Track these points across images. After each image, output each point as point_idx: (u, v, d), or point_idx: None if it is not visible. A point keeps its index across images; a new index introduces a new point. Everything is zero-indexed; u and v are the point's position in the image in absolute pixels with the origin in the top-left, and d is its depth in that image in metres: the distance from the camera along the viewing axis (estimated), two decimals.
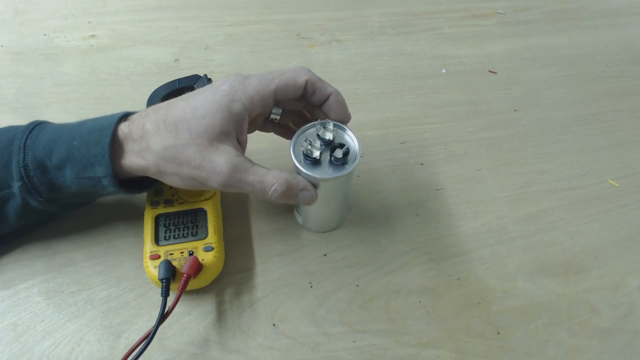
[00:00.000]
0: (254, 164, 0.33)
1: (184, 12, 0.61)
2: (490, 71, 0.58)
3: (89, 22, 0.58)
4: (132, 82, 0.52)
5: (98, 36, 0.56)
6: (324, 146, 0.34)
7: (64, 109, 0.48)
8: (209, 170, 0.31)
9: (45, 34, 0.56)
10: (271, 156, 0.46)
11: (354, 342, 0.36)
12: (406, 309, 0.38)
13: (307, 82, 0.34)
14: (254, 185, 0.32)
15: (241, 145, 0.34)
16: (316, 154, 0.33)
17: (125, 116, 0.33)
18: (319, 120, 0.34)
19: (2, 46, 0.54)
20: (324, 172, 0.33)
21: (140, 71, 0.53)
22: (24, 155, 0.32)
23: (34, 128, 0.33)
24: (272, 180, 0.32)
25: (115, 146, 0.32)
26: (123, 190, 0.33)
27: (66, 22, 0.58)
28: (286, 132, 0.40)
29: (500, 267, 0.41)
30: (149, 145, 0.31)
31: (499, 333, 0.37)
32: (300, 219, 0.41)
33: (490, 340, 0.37)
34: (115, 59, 0.54)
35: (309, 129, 0.35)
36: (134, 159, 0.32)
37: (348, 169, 0.33)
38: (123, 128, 0.32)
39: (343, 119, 0.36)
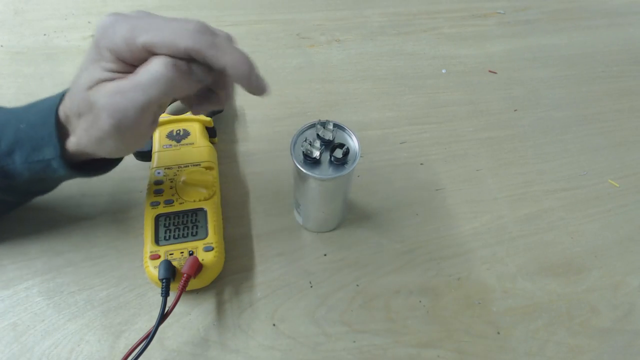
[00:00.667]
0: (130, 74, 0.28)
1: (184, 12, 0.61)
2: (490, 71, 0.58)
3: (89, 22, 0.58)
4: None
5: None
6: (323, 146, 0.34)
7: None
8: (96, 110, 0.28)
9: (45, 34, 0.56)
10: (271, 156, 0.47)
11: (354, 342, 0.36)
12: (406, 309, 0.38)
13: (188, 50, 0.27)
14: (144, 89, 0.27)
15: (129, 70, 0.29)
16: (316, 154, 0.33)
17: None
18: (319, 120, 0.34)
19: (2, 46, 0.54)
20: (324, 172, 0.33)
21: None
22: None
23: None
24: (150, 67, 0.27)
25: (60, 127, 0.30)
26: (75, 172, 0.32)
27: (66, 22, 0.58)
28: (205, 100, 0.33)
29: (501, 267, 0.41)
30: (73, 122, 0.30)
31: (499, 333, 0.37)
32: (300, 219, 0.41)
33: (491, 340, 0.37)
34: None
35: (308, 128, 0.35)
36: (71, 138, 0.31)
37: (348, 169, 0.33)
38: (64, 107, 0.30)
39: (254, 93, 0.30)
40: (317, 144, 0.33)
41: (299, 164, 0.33)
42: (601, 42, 0.64)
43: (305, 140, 0.33)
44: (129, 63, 0.28)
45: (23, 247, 0.38)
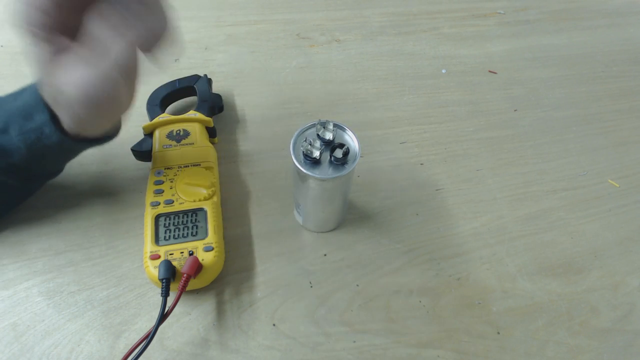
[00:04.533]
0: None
1: (184, 12, 0.61)
2: (490, 71, 0.58)
3: None
4: None
5: None
6: (323, 146, 0.34)
7: None
8: (62, 93, 0.28)
9: None
10: (271, 156, 0.47)
11: (354, 342, 0.36)
12: (406, 309, 0.38)
13: None
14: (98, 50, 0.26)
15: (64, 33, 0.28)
16: (316, 154, 0.33)
17: None
18: (319, 120, 0.34)
19: (2, 46, 0.54)
20: (324, 172, 0.33)
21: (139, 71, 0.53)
22: None
23: None
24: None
25: None
26: (70, 139, 0.33)
27: None
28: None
29: (500, 267, 0.41)
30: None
31: (499, 333, 0.37)
32: (300, 219, 0.41)
33: (490, 341, 0.37)
34: None
35: (309, 128, 0.35)
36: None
37: (348, 168, 0.33)
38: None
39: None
40: (317, 144, 0.33)
41: (299, 164, 0.33)
42: (601, 42, 0.64)
43: (305, 140, 0.33)
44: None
45: (23, 247, 0.38)
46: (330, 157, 0.33)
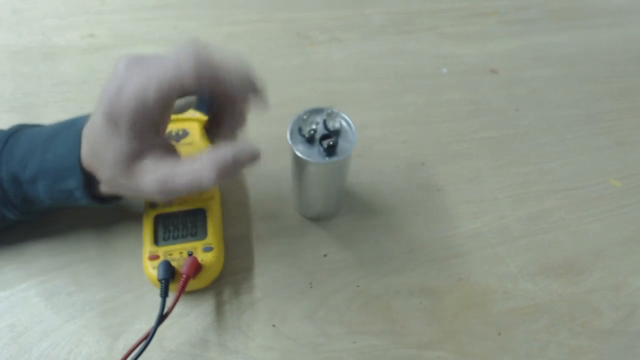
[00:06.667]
0: (178, 163, 0.29)
1: (183, 11, 0.60)
2: (491, 70, 0.58)
3: (87, 21, 0.57)
4: None
5: (96, 35, 0.56)
6: (320, 132, 0.34)
7: (63, 108, 0.48)
8: (144, 193, 0.29)
9: (43, 33, 0.56)
10: (271, 156, 0.46)
11: (354, 343, 0.36)
12: (406, 309, 0.38)
13: (196, 79, 0.28)
14: (191, 186, 0.29)
15: (159, 132, 0.30)
16: (312, 135, 0.34)
17: None
18: (330, 108, 0.35)
19: (2, 46, 0.54)
20: (315, 156, 0.33)
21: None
22: None
23: (9, 138, 0.32)
24: (198, 173, 0.28)
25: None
26: (96, 202, 0.33)
27: (64, 21, 0.57)
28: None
29: (501, 267, 0.41)
30: (99, 177, 0.31)
31: (500, 334, 0.37)
32: (296, 205, 0.42)
33: (491, 341, 0.37)
34: (113, 58, 0.53)
35: (310, 114, 0.35)
36: (101, 186, 0.32)
37: (340, 157, 0.33)
38: (86, 164, 0.31)
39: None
40: (314, 126, 0.34)
41: (294, 146, 0.34)
42: (603, 42, 0.64)
43: (304, 121, 0.34)
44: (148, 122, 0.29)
45: (21, 247, 0.38)
46: (321, 143, 0.34)
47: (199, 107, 0.46)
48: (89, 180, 0.32)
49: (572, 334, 0.38)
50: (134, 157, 0.29)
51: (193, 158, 0.29)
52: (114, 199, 0.35)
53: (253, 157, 0.30)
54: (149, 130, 0.29)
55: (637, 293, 0.40)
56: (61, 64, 0.52)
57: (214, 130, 0.36)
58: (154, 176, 0.29)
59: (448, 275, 0.40)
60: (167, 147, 0.31)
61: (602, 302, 0.40)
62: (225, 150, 0.29)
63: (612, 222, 0.45)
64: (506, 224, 0.44)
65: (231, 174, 0.29)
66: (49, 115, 0.47)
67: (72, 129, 0.32)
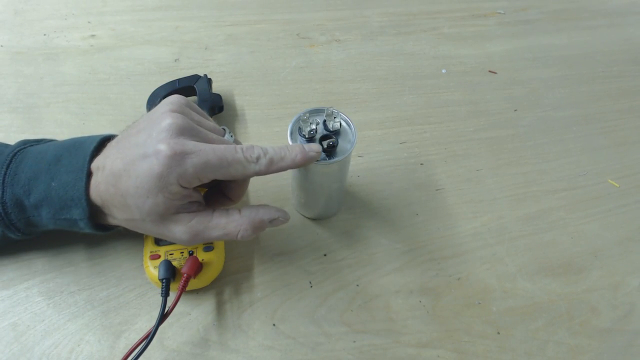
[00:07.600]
0: (212, 216, 0.31)
1: (184, 12, 0.61)
2: (490, 71, 0.58)
3: (89, 22, 0.58)
4: (132, 82, 0.52)
5: (98, 36, 0.56)
6: (320, 133, 0.34)
7: (65, 109, 0.48)
8: (172, 237, 0.31)
9: (45, 34, 0.56)
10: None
11: (354, 342, 0.36)
12: (406, 309, 0.38)
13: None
14: (223, 239, 0.32)
15: (196, 189, 0.32)
16: (312, 135, 0.34)
17: (99, 147, 0.32)
18: (330, 108, 0.35)
19: (2, 46, 0.54)
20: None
21: (140, 71, 0.53)
22: (3, 192, 0.31)
23: (12, 158, 0.32)
24: (235, 229, 0.31)
25: (89, 186, 0.31)
26: (100, 231, 0.33)
27: (66, 22, 0.58)
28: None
29: (501, 267, 0.41)
30: (112, 212, 0.31)
31: (499, 333, 0.37)
32: (294, 204, 0.42)
33: (490, 340, 0.37)
34: (115, 59, 0.54)
35: (310, 114, 0.35)
36: (107, 217, 0.32)
37: (336, 159, 0.33)
38: (96, 177, 0.31)
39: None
40: (314, 126, 0.34)
41: (292, 140, 0.34)
42: (601, 42, 0.64)
43: (304, 121, 0.34)
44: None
45: (23, 247, 0.38)
46: (321, 143, 0.34)
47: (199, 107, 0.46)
48: (94, 211, 0.32)
49: (571, 333, 0.38)
50: (172, 212, 0.30)
51: (227, 214, 0.31)
52: (116, 226, 0.34)
53: (286, 221, 0.33)
54: (193, 191, 0.31)
55: (635, 292, 0.41)
56: (63, 64, 0.53)
57: (214, 193, 0.35)
58: (186, 227, 0.30)
59: (447, 274, 0.40)
60: (199, 199, 0.32)
61: (601, 301, 0.40)
62: (263, 212, 0.32)
63: (610, 222, 0.45)
64: (505, 224, 0.44)
65: (259, 233, 0.33)
66: (51, 115, 0.47)
67: (78, 154, 0.32)
